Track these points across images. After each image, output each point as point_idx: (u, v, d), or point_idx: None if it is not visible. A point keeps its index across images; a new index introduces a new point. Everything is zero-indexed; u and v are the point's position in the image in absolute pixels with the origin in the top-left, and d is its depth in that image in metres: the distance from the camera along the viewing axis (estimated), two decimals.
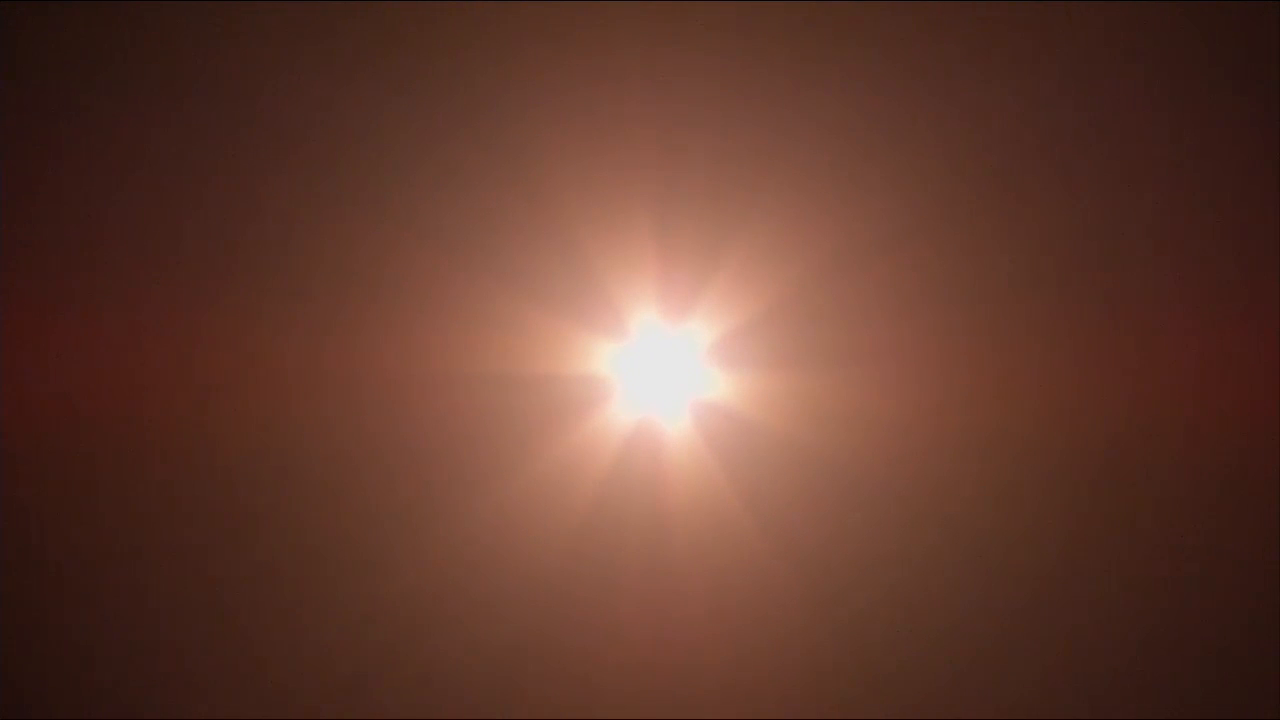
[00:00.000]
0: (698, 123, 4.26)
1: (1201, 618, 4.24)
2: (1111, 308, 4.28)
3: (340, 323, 4.25)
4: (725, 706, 4.26)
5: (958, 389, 4.27)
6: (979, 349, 4.28)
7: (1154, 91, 4.29)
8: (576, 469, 4.27)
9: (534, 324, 4.27)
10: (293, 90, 4.28)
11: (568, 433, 4.27)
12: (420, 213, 4.26)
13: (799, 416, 4.27)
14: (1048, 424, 4.25)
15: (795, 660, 4.26)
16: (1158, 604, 4.24)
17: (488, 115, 4.27)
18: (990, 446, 4.26)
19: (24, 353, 4.25)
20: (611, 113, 4.27)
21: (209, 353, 4.26)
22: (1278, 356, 4.25)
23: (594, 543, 4.26)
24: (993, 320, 4.29)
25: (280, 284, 4.26)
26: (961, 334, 4.28)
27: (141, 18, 4.28)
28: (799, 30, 4.29)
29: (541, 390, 4.27)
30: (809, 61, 4.29)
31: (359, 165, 4.27)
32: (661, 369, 4.32)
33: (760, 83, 4.28)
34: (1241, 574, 4.24)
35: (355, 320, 4.25)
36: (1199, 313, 4.28)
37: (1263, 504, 4.23)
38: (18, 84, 4.28)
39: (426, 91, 4.27)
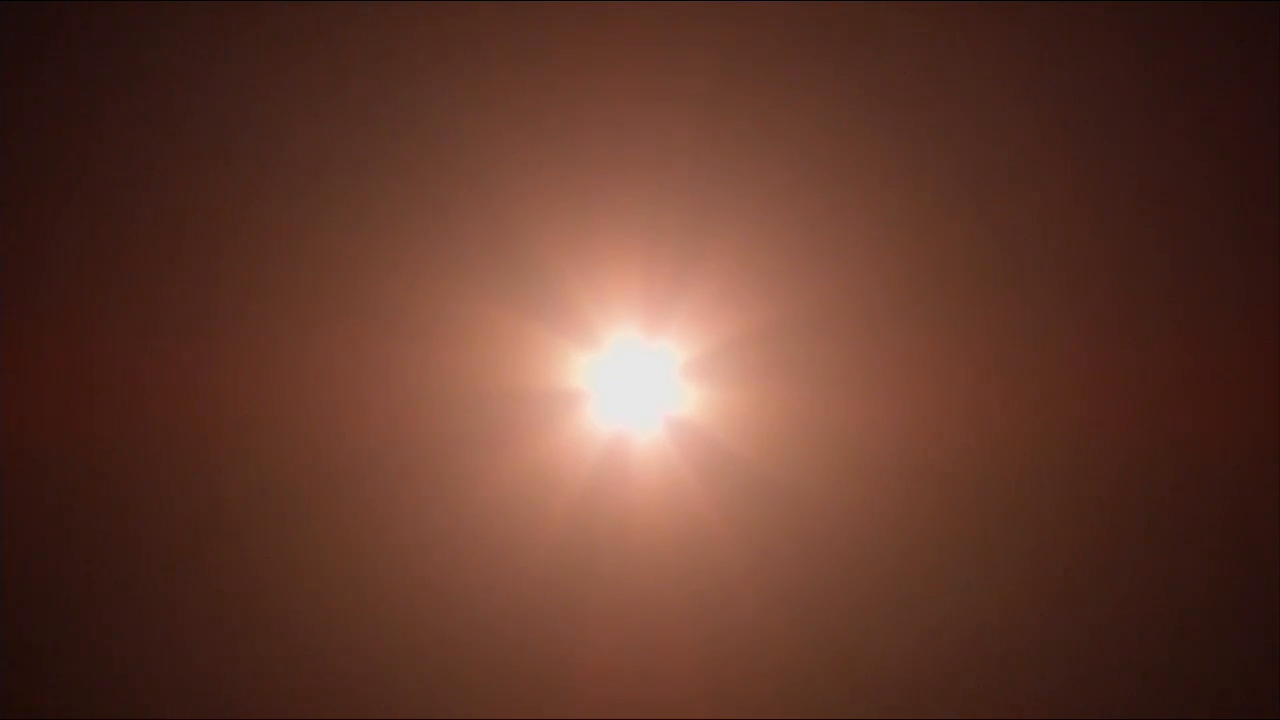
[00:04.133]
0: (677, 143, 4.31)
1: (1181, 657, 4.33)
2: (1093, 324, 4.34)
3: (318, 334, 4.29)
4: (697, 710, 4.32)
5: (929, 405, 4.34)
6: (951, 367, 4.34)
7: (1150, 97, 4.33)
8: (553, 478, 4.33)
9: (511, 337, 4.31)
10: (285, 108, 4.31)
11: (544, 443, 4.32)
12: (398, 229, 4.30)
13: (771, 431, 4.33)
14: (1018, 443, 4.32)
15: (766, 665, 4.33)
16: (1121, 624, 4.34)
17: (466, 131, 4.30)
18: (959, 461, 4.32)
19: (23, 363, 4.29)
20: (593, 135, 4.31)
21: (196, 360, 4.30)
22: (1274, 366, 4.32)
23: (568, 551, 4.33)
24: (965, 339, 4.34)
25: (259, 293, 4.30)
26: (933, 352, 4.34)
27: (140, 59, 4.32)
28: (777, 49, 4.32)
29: (519, 402, 4.32)
30: (788, 80, 4.32)
31: (340, 181, 4.30)
32: (636, 383, 4.38)
33: (740, 103, 4.32)
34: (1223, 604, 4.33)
35: (333, 332, 4.29)
36: (1184, 330, 4.34)
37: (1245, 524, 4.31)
38: (19, 93, 4.30)
39: (411, 107, 4.31)
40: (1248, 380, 4.30)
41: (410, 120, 4.31)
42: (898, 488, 4.32)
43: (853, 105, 4.33)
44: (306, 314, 4.29)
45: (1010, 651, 4.30)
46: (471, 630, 4.30)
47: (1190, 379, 4.33)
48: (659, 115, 4.32)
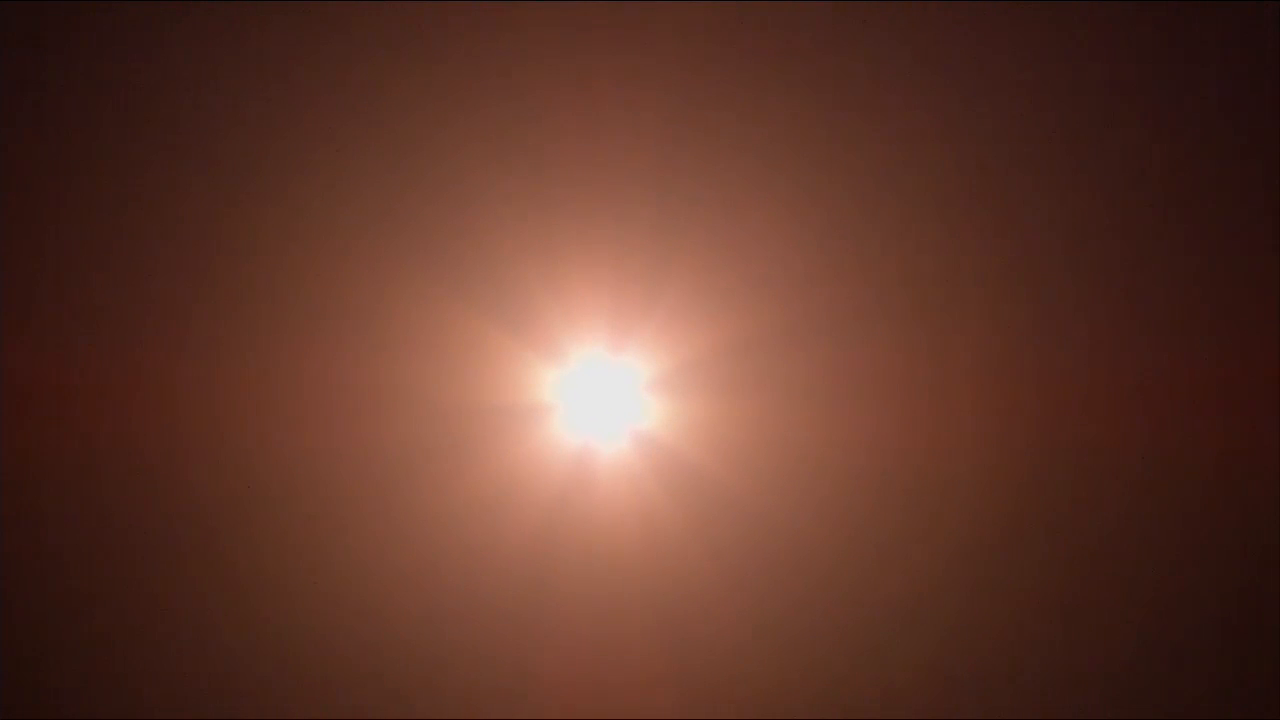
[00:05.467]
0: (645, 158, 4.33)
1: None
2: (1062, 335, 4.36)
3: (288, 348, 4.31)
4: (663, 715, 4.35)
5: (893, 420, 4.36)
6: (916, 381, 4.37)
7: (1138, 109, 4.36)
8: (520, 490, 4.34)
9: (479, 350, 4.33)
10: (258, 122, 4.33)
11: (510, 456, 4.34)
12: (368, 244, 4.31)
13: (736, 445, 4.36)
14: (984, 455, 4.35)
15: (731, 676, 4.35)
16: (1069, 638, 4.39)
17: (435, 145, 4.32)
18: (924, 474, 4.35)
19: (22, 367, 4.30)
20: (561, 150, 4.33)
21: (165, 371, 4.30)
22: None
23: (533, 564, 4.34)
24: (931, 354, 4.37)
25: (227, 305, 4.31)
26: (898, 366, 4.37)
27: (141, 55, 4.33)
28: (745, 63, 4.35)
29: (486, 415, 4.33)
30: (755, 96, 4.35)
31: (310, 198, 4.31)
32: (603, 397, 4.41)
33: (707, 118, 4.34)
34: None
35: (303, 347, 4.31)
36: (1173, 338, 4.36)
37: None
38: (19, 99, 4.32)
39: (381, 122, 4.33)
40: (1230, 385, 4.34)
41: (380, 134, 4.33)
42: (862, 501, 4.35)
43: (821, 122, 4.35)
44: (276, 328, 4.30)
45: (976, 660, 4.33)
46: (437, 641, 4.31)
47: (1161, 389, 4.36)
48: (627, 130, 4.33)
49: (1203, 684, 4.31)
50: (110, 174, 4.31)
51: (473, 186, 4.33)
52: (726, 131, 4.35)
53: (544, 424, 4.38)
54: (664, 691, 4.35)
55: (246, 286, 4.31)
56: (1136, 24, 4.34)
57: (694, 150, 4.35)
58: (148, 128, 4.32)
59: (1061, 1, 4.33)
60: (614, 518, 4.35)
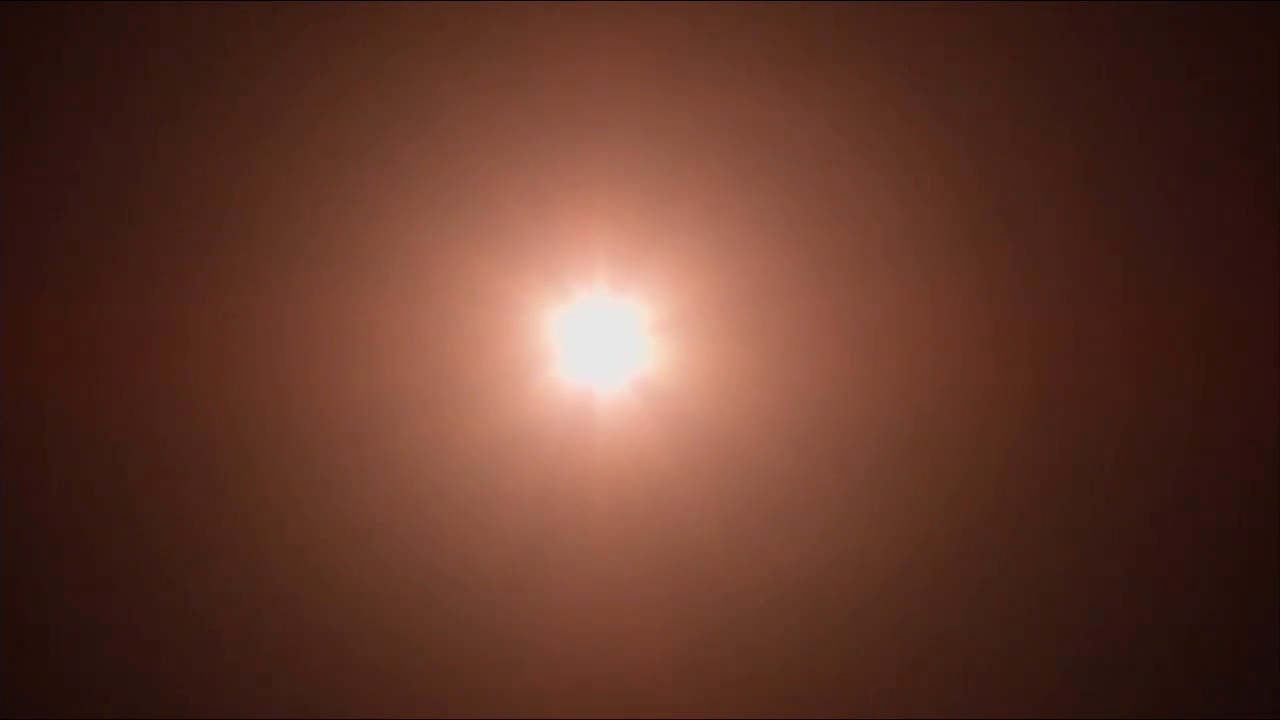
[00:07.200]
0: (648, 101, 4.26)
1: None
2: (1067, 290, 4.33)
3: (287, 292, 4.26)
4: (660, 668, 4.33)
5: (895, 368, 4.32)
6: (919, 331, 4.32)
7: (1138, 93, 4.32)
8: (519, 435, 4.31)
9: (478, 293, 4.28)
10: (259, 75, 4.28)
11: (510, 401, 4.31)
12: (367, 188, 4.25)
13: (737, 391, 4.32)
14: (987, 406, 4.30)
15: (731, 625, 4.33)
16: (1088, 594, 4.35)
17: (434, 87, 4.25)
18: (926, 424, 4.31)
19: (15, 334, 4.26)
20: (562, 92, 4.26)
21: (160, 326, 4.27)
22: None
23: (532, 510, 4.31)
24: (936, 303, 4.33)
25: (228, 249, 4.27)
26: (902, 316, 4.32)
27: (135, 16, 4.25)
28: (750, 21, 4.28)
29: (485, 359, 4.30)
30: (761, 39, 4.28)
31: (309, 144, 4.26)
32: (603, 341, 4.36)
33: (711, 62, 4.27)
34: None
35: (302, 291, 4.26)
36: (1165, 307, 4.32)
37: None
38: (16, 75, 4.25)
39: (381, 67, 4.27)
40: (1229, 337, 4.31)
41: (379, 79, 4.26)
42: (863, 449, 4.31)
43: (827, 66, 4.28)
44: (275, 273, 4.26)
45: (979, 615, 4.31)
46: (435, 589, 4.29)
47: (1162, 340, 4.32)
48: (629, 72, 4.26)
49: (1203, 673, 4.30)
50: (116, 118, 4.27)
51: (472, 130, 4.28)
52: (736, 69, 4.28)
53: (543, 368, 4.34)
54: (666, 642, 4.33)
55: (240, 230, 4.27)
56: None
57: (701, 87, 4.27)
58: (154, 72, 4.26)
59: None
60: (615, 464, 4.32)
